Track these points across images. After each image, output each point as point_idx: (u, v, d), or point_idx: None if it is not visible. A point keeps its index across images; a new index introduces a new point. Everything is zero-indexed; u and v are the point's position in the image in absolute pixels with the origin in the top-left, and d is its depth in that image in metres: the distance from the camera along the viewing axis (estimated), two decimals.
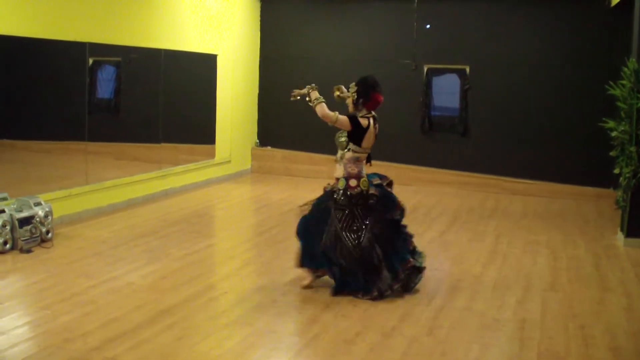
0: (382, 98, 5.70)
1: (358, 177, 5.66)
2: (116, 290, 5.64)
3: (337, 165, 5.84)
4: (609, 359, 4.57)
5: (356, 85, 5.69)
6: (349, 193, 5.63)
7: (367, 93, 5.65)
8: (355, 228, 5.62)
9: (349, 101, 5.71)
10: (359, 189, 5.63)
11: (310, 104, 5.68)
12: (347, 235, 5.61)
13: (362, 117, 5.63)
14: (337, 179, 5.76)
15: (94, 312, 5.12)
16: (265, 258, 6.84)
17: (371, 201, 5.66)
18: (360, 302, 5.47)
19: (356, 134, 5.61)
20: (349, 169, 5.68)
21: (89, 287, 5.68)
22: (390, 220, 5.71)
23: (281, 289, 5.78)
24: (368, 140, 5.65)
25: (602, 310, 5.50)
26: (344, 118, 5.58)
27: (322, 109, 5.57)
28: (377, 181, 5.78)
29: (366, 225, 5.63)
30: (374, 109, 5.72)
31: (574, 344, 4.78)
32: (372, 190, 5.68)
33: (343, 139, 5.81)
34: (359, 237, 5.59)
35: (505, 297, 5.74)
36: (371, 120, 5.65)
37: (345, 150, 5.72)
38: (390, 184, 5.89)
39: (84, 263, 6.39)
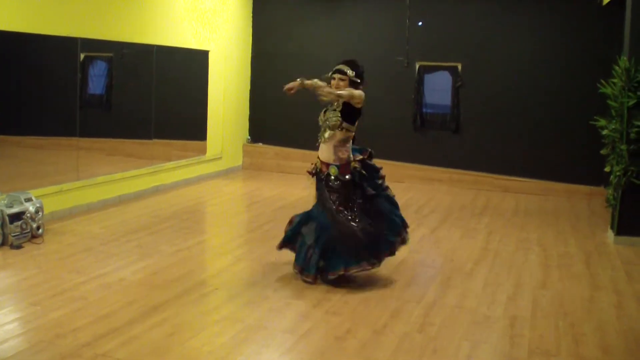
0: None
1: (348, 162, 5.76)
2: (107, 286, 5.63)
3: (323, 146, 5.81)
4: (599, 357, 4.59)
5: (352, 68, 5.73)
6: (342, 179, 5.73)
7: (363, 75, 5.79)
8: (350, 206, 5.76)
9: (343, 84, 5.70)
10: (350, 176, 5.74)
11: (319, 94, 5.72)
12: (343, 214, 5.74)
13: None
14: (325, 163, 5.77)
15: (84, 308, 5.11)
16: (257, 254, 6.83)
17: (361, 181, 5.80)
18: (351, 299, 5.48)
19: (355, 111, 5.70)
20: (340, 154, 5.74)
21: (80, 283, 5.67)
22: (374, 195, 5.84)
23: (273, 286, 5.78)
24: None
25: (592, 308, 5.53)
26: (360, 92, 5.67)
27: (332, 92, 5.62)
28: (358, 157, 5.85)
29: (359, 202, 5.78)
30: None
31: (564, 341, 4.80)
32: (357, 166, 5.79)
33: (336, 118, 5.69)
34: (353, 215, 5.75)
35: (497, 295, 5.76)
36: None
37: (338, 130, 5.70)
38: (370, 155, 5.95)
39: (75, 259, 6.37)
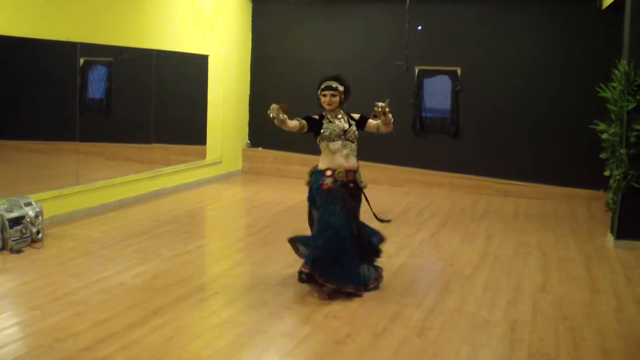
0: None
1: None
2: (107, 290, 5.62)
3: (346, 157, 5.70)
4: None
5: (342, 84, 5.74)
6: (363, 183, 5.83)
7: (349, 89, 5.83)
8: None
9: (336, 99, 5.72)
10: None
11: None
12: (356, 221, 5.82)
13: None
14: (352, 170, 5.73)
15: (84, 312, 5.11)
16: (257, 259, 6.83)
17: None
18: (350, 303, 5.47)
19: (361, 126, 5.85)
20: (356, 161, 5.83)
21: (80, 287, 5.67)
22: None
23: (272, 290, 5.78)
24: None
25: (592, 312, 5.53)
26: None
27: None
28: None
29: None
30: None
31: (564, 345, 4.80)
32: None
33: (356, 131, 5.79)
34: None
35: (496, 299, 5.76)
36: None
37: (355, 142, 5.78)
38: None
39: (75, 263, 6.37)
